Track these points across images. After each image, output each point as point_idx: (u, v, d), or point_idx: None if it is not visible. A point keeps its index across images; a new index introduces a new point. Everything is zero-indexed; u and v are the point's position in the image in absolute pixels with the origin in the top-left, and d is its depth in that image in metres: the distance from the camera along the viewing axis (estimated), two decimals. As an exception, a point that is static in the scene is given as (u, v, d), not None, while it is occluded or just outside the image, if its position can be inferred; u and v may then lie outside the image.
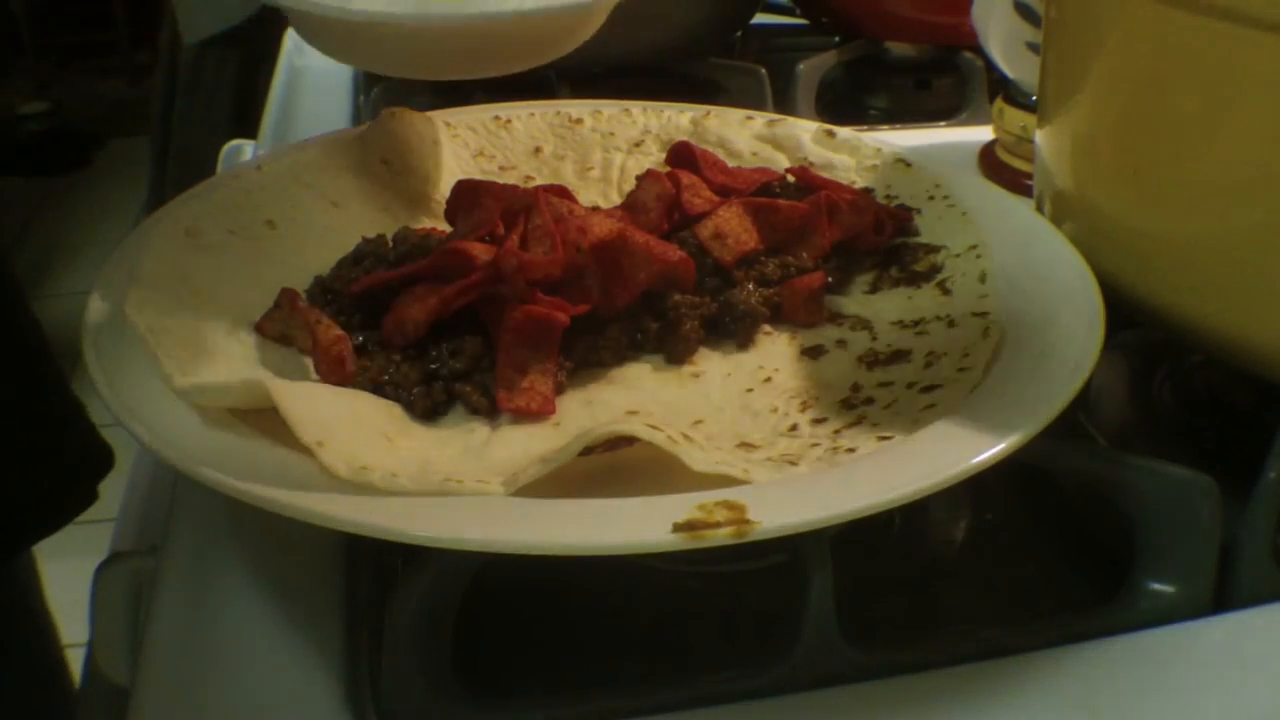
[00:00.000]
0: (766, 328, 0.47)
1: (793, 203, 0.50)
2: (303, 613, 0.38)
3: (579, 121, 0.61)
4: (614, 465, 0.37)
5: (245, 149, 0.87)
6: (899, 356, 0.43)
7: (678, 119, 0.61)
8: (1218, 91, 0.40)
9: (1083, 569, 0.43)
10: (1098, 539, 0.43)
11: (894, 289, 0.49)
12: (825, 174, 0.56)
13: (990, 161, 0.73)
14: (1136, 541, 0.39)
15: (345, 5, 0.47)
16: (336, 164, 0.55)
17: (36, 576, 0.76)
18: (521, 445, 0.39)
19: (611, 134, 0.61)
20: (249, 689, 0.35)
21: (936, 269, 0.49)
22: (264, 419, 0.36)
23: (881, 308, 0.48)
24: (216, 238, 0.47)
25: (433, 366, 0.42)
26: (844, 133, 0.59)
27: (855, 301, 0.49)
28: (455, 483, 0.34)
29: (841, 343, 0.46)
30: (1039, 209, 0.52)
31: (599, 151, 0.60)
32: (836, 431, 0.39)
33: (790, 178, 0.55)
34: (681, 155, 0.55)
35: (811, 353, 0.45)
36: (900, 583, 0.42)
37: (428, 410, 0.41)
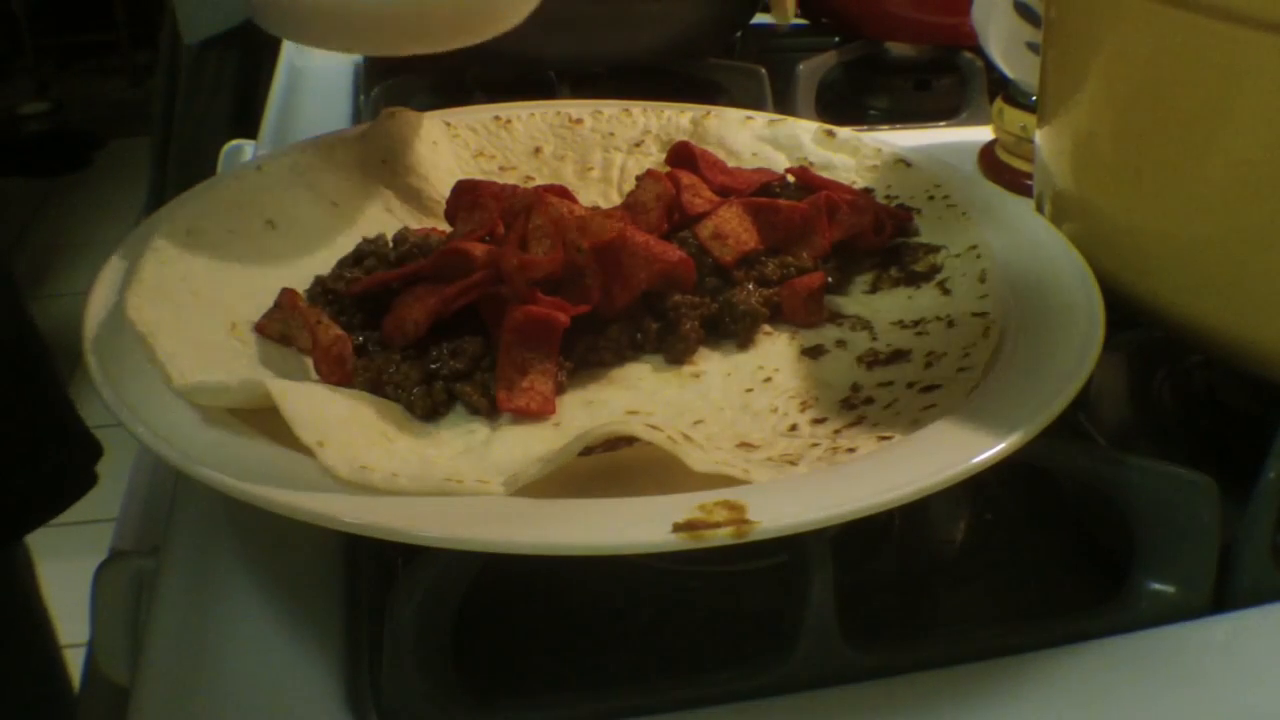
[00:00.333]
0: (766, 328, 0.47)
1: (793, 203, 0.50)
2: (303, 613, 0.38)
3: (579, 121, 0.61)
4: (614, 465, 0.37)
5: (245, 149, 0.87)
6: (899, 356, 0.43)
7: (678, 119, 0.61)
8: (1218, 91, 0.40)
9: (1083, 569, 0.43)
10: (1098, 539, 0.43)
11: (894, 289, 0.49)
12: (825, 174, 0.56)
13: (990, 161, 0.73)
14: (1136, 541, 0.39)
15: None
16: (336, 164, 0.55)
17: (34, 575, 0.76)
18: (521, 445, 0.39)
19: (611, 134, 0.61)
20: (249, 689, 0.35)
21: (936, 269, 0.49)
22: (264, 419, 0.36)
23: (881, 308, 0.48)
24: (216, 238, 0.47)
25: (433, 366, 0.42)
26: (844, 133, 0.59)
27: (855, 301, 0.49)
28: (455, 483, 0.34)
29: (841, 343, 0.46)
30: (1039, 209, 0.52)
31: (599, 151, 0.60)
32: (836, 431, 0.39)
33: (790, 178, 0.55)
34: (681, 155, 0.55)
35: (811, 353, 0.45)
36: (900, 583, 0.42)
37: (428, 410, 0.41)
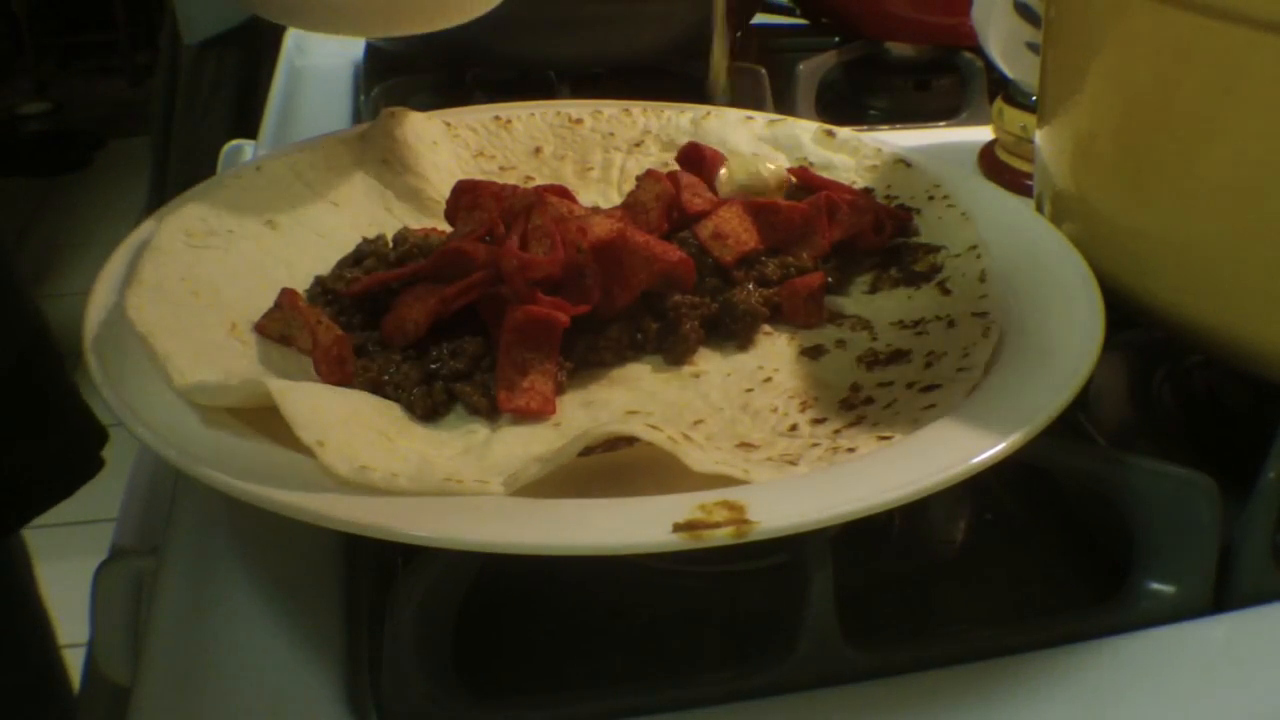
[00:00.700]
0: (766, 328, 0.47)
1: (793, 203, 0.50)
2: (303, 613, 0.38)
3: (579, 122, 0.61)
4: (614, 465, 0.37)
5: (245, 149, 0.87)
6: (899, 356, 0.43)
7: (678, 119, 0.61)
8: (1218, 91, 0.40)
9: (1083, 569, 0.43)
10: (1098, 539, 0.43)
11: (894, 289, 0.49)
12: (825, 174, 0.56)
13: (990, 161, 0.73)
14: (1136, 541, 0.39)
15: None
16: (336, 164, 0.55)
17: (32, 572, 0.76)
18: (521, 445, 0.39)
19: (611, 134, 0.61)
20: (249, 689, 0.35)
21: (936, 269, 0.49)
22: (264, 419, 0.36)
23: (881, 308, 0.48)
24: (217, 238, 0.47)
25: (433, 366, 0.42)
26: (844, 133, 0.59)
27: (855, 301, 0.49)
28: (455, 483, 0.34)
29: (841, 343, 0.46)
30: (1039, 209, 0.52)
31: (599, 151, 0.60)
32: (836, 431, 0.39)
33: (791, 178, 0.55)
34: (690, 157, 0.55)
35: (811, 353, 0.45)
36: (900, 583, 0.42)
37: (428, 410, 0.41)
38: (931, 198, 0.53)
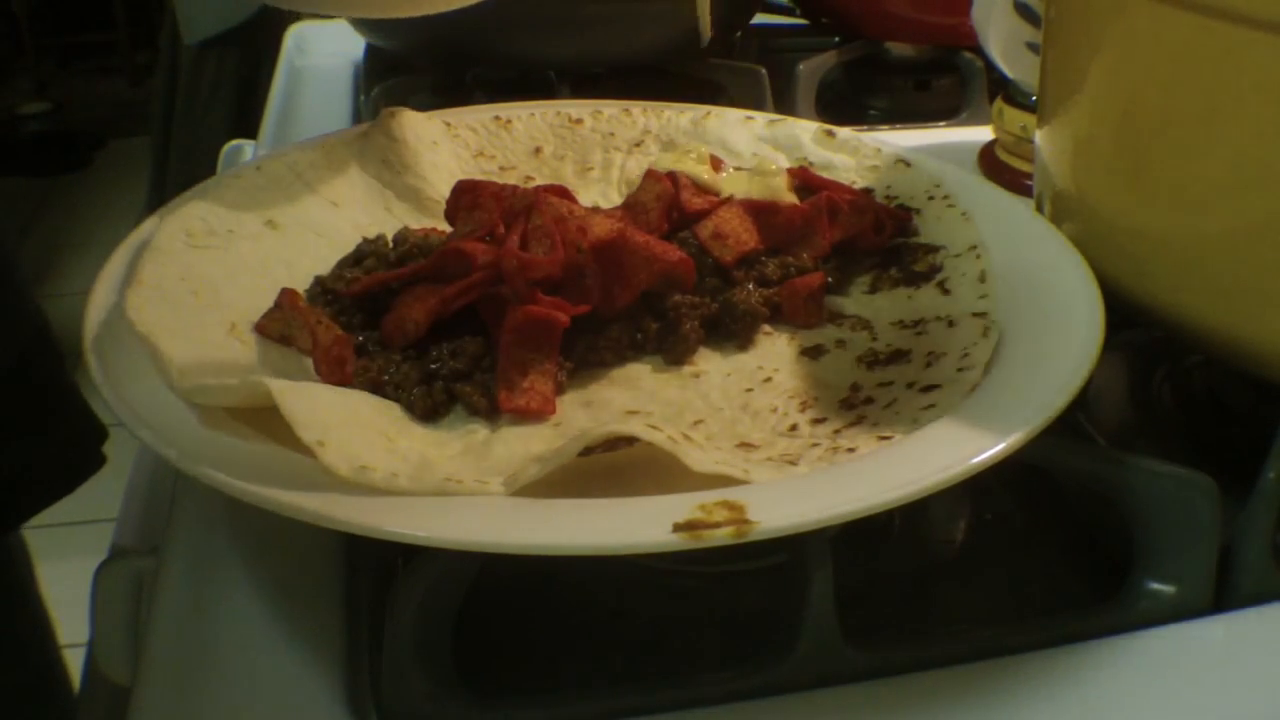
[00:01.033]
0: (766, 328, 0.47)
1: (793, 203, 0.50)
2: (303, 613, 0.38)
3: (579, 122, 0.61)
4: (614, 465, 0.37)
5: (245, 149, 0.87)
6: (899, 356, 0.43)
7: (678, 119, 0.61)
8: (1217, 91, 0.40)
9: (1083, 569, 0.43)
10: (1098, 539, 0.43)
11: (894, 289, 0.49)
12: (825, 174, 0.56)
13: (990, 161, 0.73)
14: (1136, 541, 0.39)
15: None
16: (336, 164, 0.55)
17: (32, 572, 0.76)
18: (521, 445, 0.39)
19: (611, 134, 0.61)
20: (249, 689, 0.35)
21: (936, 269, 0.49)
22: (264, 419, 0.36)
23: (881, 308, 0.48)
24: (216, 238, 0.47)
25: (433, 366, 0.42)
26: (844, 133, 0.59)
27: (855, 301, 0.49)
28: (455, 483, 0.34)
29: (841, 343, 0.46)
30: (1039, 209, 0.52)
31: (599, 151, 0.60)
32: (836, 431, 0.39)
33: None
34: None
35: (811, 353, 0.45)
36: (900, 583, 0.42)
37: (428, 410, 0.41)
38: (931, 198, 0.53)
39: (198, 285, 0.44)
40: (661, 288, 0.46)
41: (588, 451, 0.36)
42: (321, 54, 0.95)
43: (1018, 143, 0.70)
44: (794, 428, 0.40)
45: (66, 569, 0.81)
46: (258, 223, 0.49)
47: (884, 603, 0.41)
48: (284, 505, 0.32)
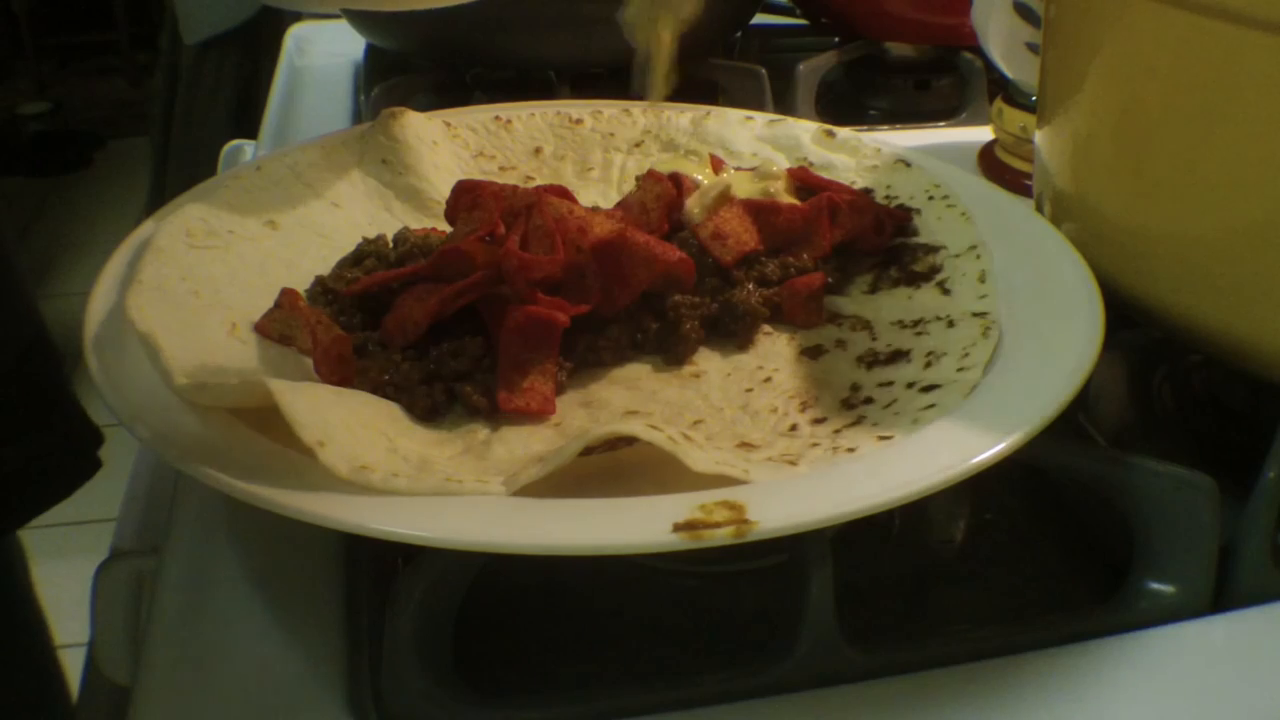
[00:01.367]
0: (766, 328, 0.47)
1: (794, 204, 0.50)
2: (303, 613, 0.38)
3: (579, 122, 0.61)
4: (614, 465, 0.37)
5: (245, 149, 0.87)
6: (899, 356, 0.43)
7: (678, 119, 0.61)
8: (1217, 91, 0.40)
9: (1083, 569, 0.43)
10: (1098, 539, 0.43)
11: (894, 289, 0.49)
12: (825, 174, 0.56)
13: (990, 161, 0.73)
14: (1136, 541, 0.39)
15: None
16: (336, 164, 0.55)
17: (28, 574, 0.76)
18: (521, 445, 0.39)
19: (612, 134, 0.61)
20: (249, 689, 0.35)
21: (936, 269, 0.49)
22: (264, 419, 0.36)
23: (881, 308, 0.48)
24: (217, 238, 0.47)
25: (433, 367, 0.42)
26: (844, 133, 0.59)
27: (855, 301, 0.49)
28: (455, 483, 0.34)
29: (841, 343, 0.46)
30: (1039, 209, 0.52)
31: (599, 152, 0.60)
32: (836, 431, 0.39)
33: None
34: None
35: (811, 353, 0.45)
36: (900, 583, 0.42)
37: (428, 410, 0.41)
38: (931, 198, 0.53)
39: (198, 285, 0.44)
40: (661, 288, 0.46)
41: (588, 451, 0.36)
42: (321, 54, 0.95)
43: (1018, 143, 0.70)
44: (794, 428, 0.40)
45: (66, 569, 0.81)
46: (258, 223, 0.49)
47: (884, 603, 0.41)
48: (284, 505, 0.32)
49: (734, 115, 0.61)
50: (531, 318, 0.42)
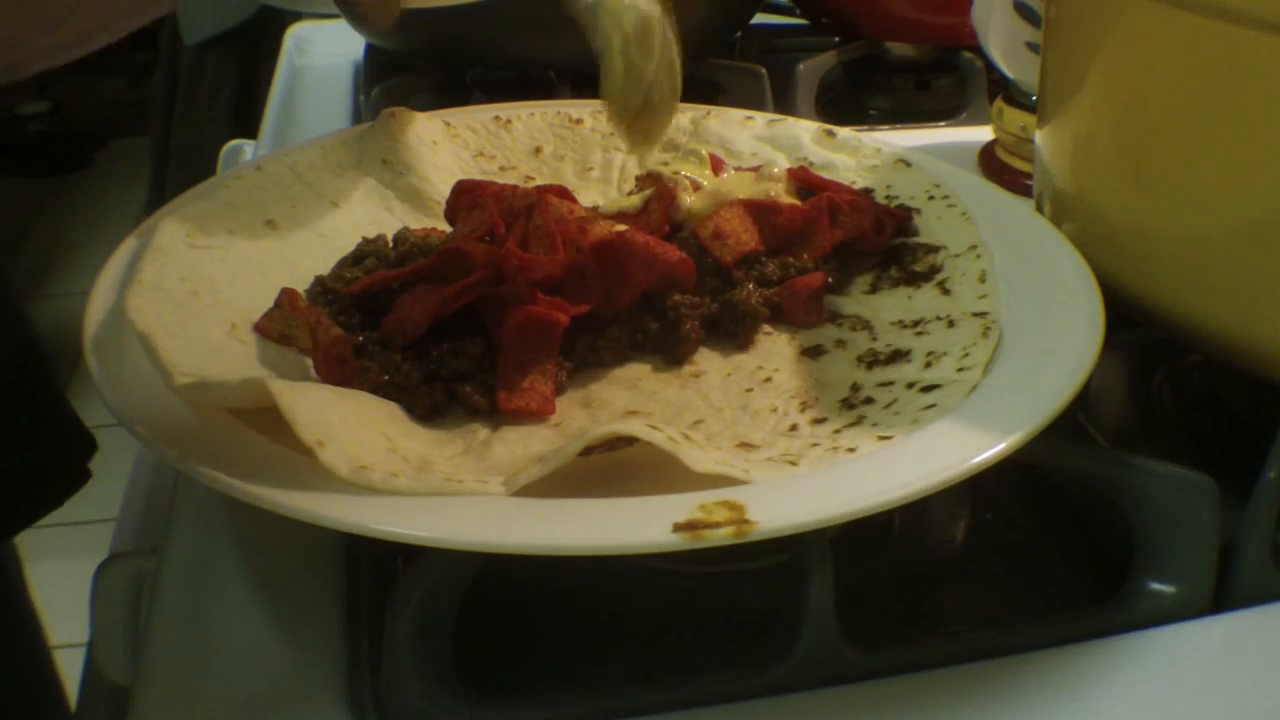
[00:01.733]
0: (766, 328, 0.47)
1: (794, 204, 0.50)
2: (303, 613, 0.38)
3: (579, 121, 0.61)
4: (614, 465, 0.37)
5: (245, 149, 0.87)
6: (899, 356, 0.44)
7: (678, 119, 0.61)
8: (1218, 91, 0.40)
9: (1083, 569, 0.43)
10: (1098, 539, 0.43)
11: (894, 289, 0.49)
12: (825, 174, 0.56)
13: (990, 161, 0.73)
14: (1136, 541, 0.39)
15: None
16: (336, 164, 0.55)
17: (23, 580, 0.76)
18: (521, 445, 0.39)
19: (611, 134, 0.61)
20: (249, 689, 0.35)
21: (936, 269, 0.49)
22: (264, 419, 0.36)
23: (881, 308, 0.48)
24: (216, 238, 0.47)
25: (433, 367, 0.42)
26: (844, 133, 0.59)
27: (855, 301, 0.49)
28: (455, 483, 0.34)
29: (841, 343, 0.46)
30: (1039, 209, 0.52)
31: (599, 151, 0.60)
32: (836, 431, 0.39)
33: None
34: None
35: (811, 353, 0.45)
36: (900, 583, 0.42)
37: (428, 410, 0.41)
38: (931, 198, 0.53)
39: (198, 285, 0.44)
40: (661, 288, 0.46)
41: (588, 451, 0.36)
42: (321, 54, 0.95)
43: (1018, 143, 0.70)
44: (794, 428, 0.40)
45: (65, 569, 0.80)
46: (258, 223, 0.49)
47: (884, 603, 0.41)
48: (284, 505, 0.32)
49: (734, 115, 0.61)
50: (531, 318, 0.42)
